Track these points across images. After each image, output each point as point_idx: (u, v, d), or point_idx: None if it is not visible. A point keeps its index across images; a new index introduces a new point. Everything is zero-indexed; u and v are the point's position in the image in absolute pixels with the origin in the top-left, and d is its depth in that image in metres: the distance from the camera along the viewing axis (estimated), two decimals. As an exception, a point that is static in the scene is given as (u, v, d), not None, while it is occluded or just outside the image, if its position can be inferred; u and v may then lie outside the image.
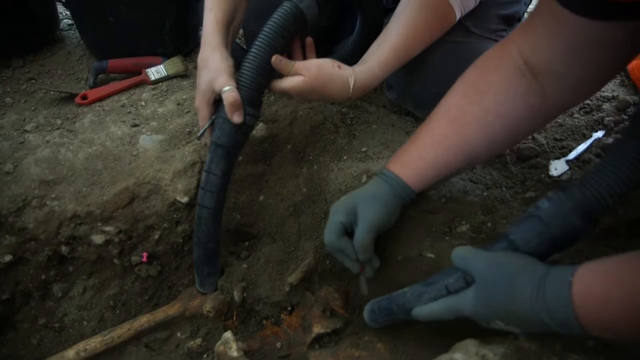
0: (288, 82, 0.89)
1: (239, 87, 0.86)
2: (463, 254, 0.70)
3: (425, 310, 0.73)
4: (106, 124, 1.09)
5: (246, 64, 0.87)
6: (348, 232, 0.86)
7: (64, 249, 0.98)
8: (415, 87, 1.09)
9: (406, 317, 0.80)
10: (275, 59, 0.86)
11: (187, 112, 1.15)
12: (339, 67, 0.89)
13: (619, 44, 0.65)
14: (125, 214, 0.99)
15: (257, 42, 0.87)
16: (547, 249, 0.66)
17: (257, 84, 0.88)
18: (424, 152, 0.82)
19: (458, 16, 0.95)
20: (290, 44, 0.93)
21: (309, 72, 0.87)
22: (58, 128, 1.08)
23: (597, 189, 0.63)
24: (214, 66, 0.87)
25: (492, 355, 0.64)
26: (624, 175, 0.63)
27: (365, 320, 0.88)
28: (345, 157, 1.02)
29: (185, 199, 1.00)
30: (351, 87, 0.89)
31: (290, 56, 0.93)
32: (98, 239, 0.99)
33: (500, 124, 0.77)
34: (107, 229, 0.99)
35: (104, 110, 1.14)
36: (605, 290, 0.53)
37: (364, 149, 1.02)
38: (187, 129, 1.10)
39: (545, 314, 0.57)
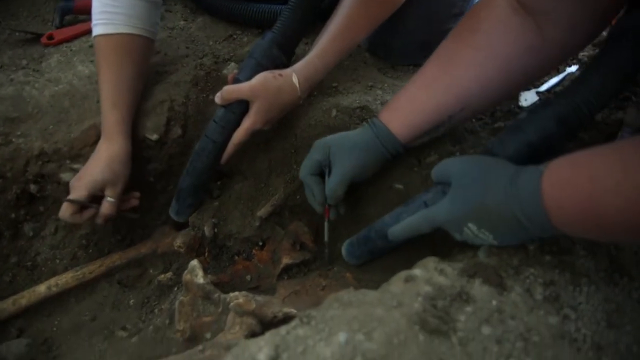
0: (246, 122, 0.89)
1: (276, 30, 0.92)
2: (441, 163, 0.69)
3: (399, 226, 0.72)
4: (73, 63, 1.07)
5: (285, 13, 0.92)
6: (323, 171, 0.84)
7: (32, 187, 0.98)
8: (387, 36, 1.08)
9: (384, 244, 0.80)
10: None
11: (157, 53, 1.13)
12: (280, 75, 0.88)
13: None
14: (94, 151, 0.98)
15: None
16: (524, 154, 0.67)
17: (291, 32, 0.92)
18: (413, 95, 0.79)
19: None
20: None
21: (255, 96, 0.87)
22: (23, 68, 1.06)
23: (573, 98, 0.64)
24: (117, 171, 0.91)
25: (450, 270, 0.65)
26: (598, 86, 0.64)
27: (344, 256, 0.88)
28: (315, 93, 1.01)
29: (154, 136, 0.99)
30: (298, 86, 0.89)
31: None
32: (67, 177, 0.98)
33: (492, 64, 0.73)
34: (75, 166, 0.98)
35: (71, 50, 1.12)
36: (571, 175, 0.53)
37: (334, 84, 1.02)
38: (156, 69, 1.09)
39: (516, 205, 0.56)
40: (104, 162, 0.91)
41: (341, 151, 0.81)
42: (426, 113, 0.78)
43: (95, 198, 0.92)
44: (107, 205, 0.92)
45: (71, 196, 0.89)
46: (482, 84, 0.75)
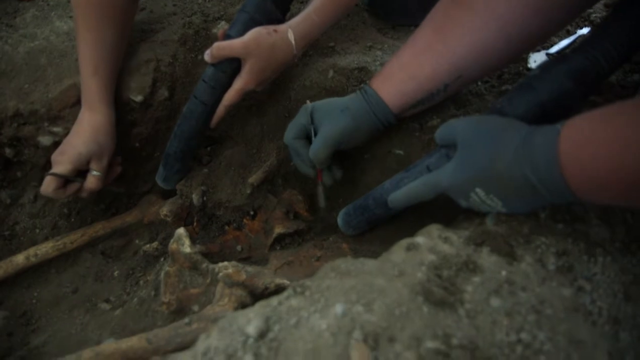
0: (238, 82, 0.83)
1: None
2: (447, 123, 0.64)
3: (400, 192, 0.67)
4: (51, 19, 1.00)
5: None
6: (309, 135, 0.79)
7: (8, 151, 0.92)
8: None
9: (383, 212, 0.75)
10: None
11: (142, 10, 1.06)
12: (274, 31, 0.81)
13: None
14: (74, 113, 0.91)
15: None
16: (536, 115, 0.61)
17: None
18: (406, 62, 0.74)
19: None
20: None
21: (248, 54, 0.80)
22: (-4, 22, 0.99)
23: (590, 51, 0.58)
24: (102, 143, 0.86)
25: (455, 238, 0.60)
26: (620, 38, 0.58)
27: (340, 226, 0.84)
28: (310, 53, 0.95)
29: (139, 98, 0.93)
30: (293, 43, 0.82)
31: None
32: (45, 140, 0.92)
33: (491, 28, 0.67)
34: (55, 129, 0.92)
35: (48, 5, 1.04)
36: (594, 132, 0.48)
37: (331, 44, 0.95)
38: (142, 27, 1.02)
39: (529, 168, 0.51)
40: (88, 133, 0.85)
41: (328, 115, 0.76)
42: (419, 82, 0.73)
43: (79, 172, 0.86)
44: (93, 179, 0.87)
45: (54, 170, 0.83)
46: (480, 50, 0.69)
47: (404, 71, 0.74)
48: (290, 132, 0.79)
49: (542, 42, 0.91)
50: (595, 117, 0.49)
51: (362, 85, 0.78)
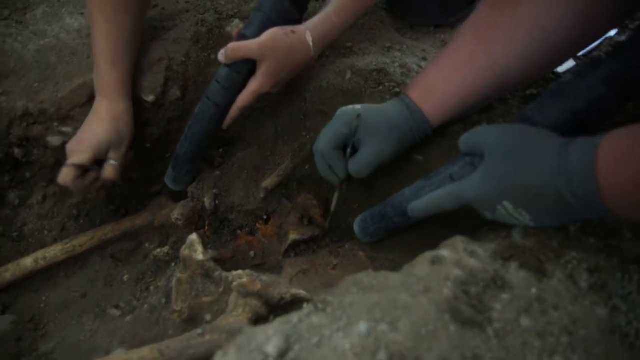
0: (253, 84, 0.80)
1: None
2: (473, 130, 0.61)
3: (421, 202, 0.65)
4: (61, 15, 0.98)
5: None
6: (346, 145, 0.75)
7: (17, 151, 0.90)
8: None
9: (402, 221, 0.73)
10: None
11: (154, 7, 1.03)
12: (292, 32, 0.79)
13: None
14: (84, 113, 0.89)
15: None
16: (569, 124, 0.58)
17: None
18: (449, 77, 0.71)
19: None
20: None
21: (264, 55, 0.77)
22: (5, 19, 0.97)
23: (626, 56, 0.56)
24: (122, 132, 0.85)
25: (482, 251, 0.58)
26: None
27: (356, 233, 0.81)
28: (327, 53, 0.92)
29: (151, 97, 0.91)
30: (311, 45, 0.80)
31: None
32: (55, 140, 0.90)
33: (536, 39, 0.65)
34: (64, 129, 0.90)
35: (59, 1, 1.02)
36: (630, 146, 0.45)
37: (348, 44, 0.93)
38: (154, 24, 0.99)
39: (563, 182, 0.49)
40: (107, 122, 0.83)
41: (376, 132, 0.72)
42: (463, 97, 0.72)
43: (96, 161, 0.84)
44: (111, 169, 0.84)
45: (75, 160, 0.80)
46: (524, 62, 0.67)
47: (448, 86, 0.72)
48: (330, 142, 0.74)
49: (583, 50, 0.88)
50: (636, 132, 0.47)
51: (401, 95, 0.75)
